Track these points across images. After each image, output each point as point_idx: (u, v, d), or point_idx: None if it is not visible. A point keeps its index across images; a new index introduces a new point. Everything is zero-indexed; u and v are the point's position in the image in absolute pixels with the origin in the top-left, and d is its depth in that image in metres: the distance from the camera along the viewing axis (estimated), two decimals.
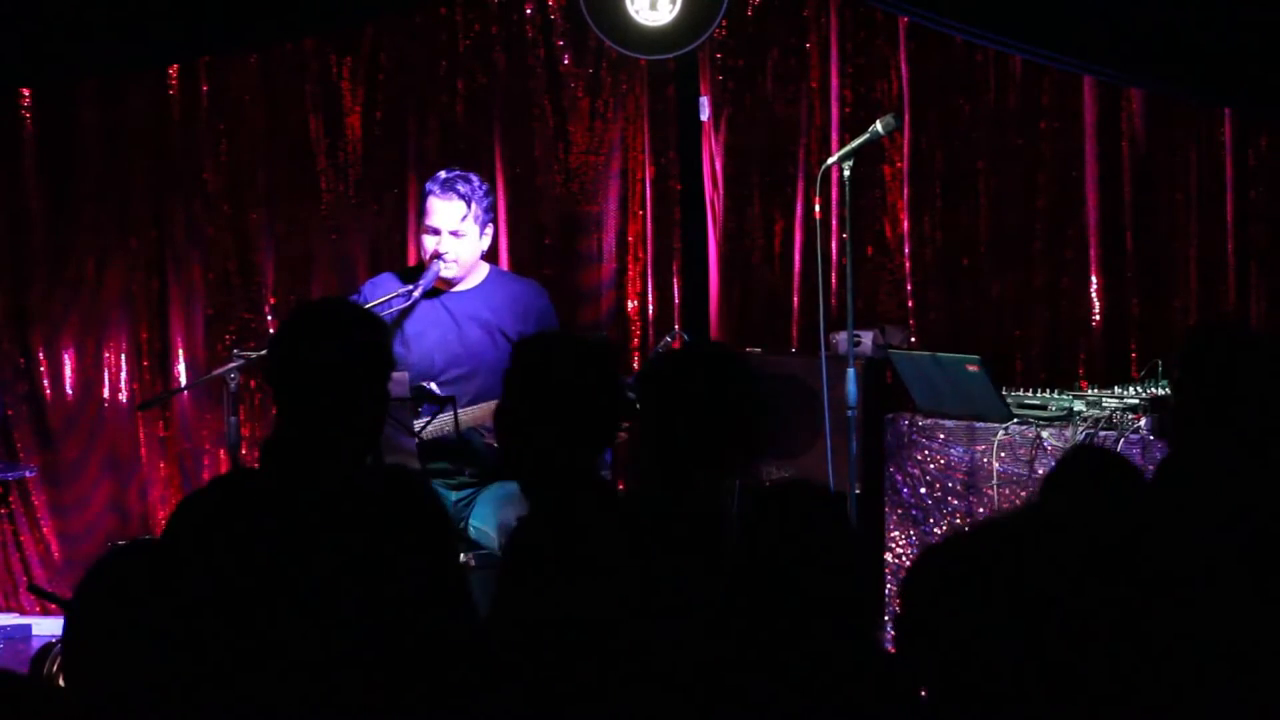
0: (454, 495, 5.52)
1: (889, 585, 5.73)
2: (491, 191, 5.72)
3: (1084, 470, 3.12)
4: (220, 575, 2.94)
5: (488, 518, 5.41)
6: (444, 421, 5.36)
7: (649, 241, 6.77)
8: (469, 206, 5.54)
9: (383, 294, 5.56)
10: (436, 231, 5.55)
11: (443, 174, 5.62)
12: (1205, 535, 3.05)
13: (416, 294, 5.57)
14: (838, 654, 2.74)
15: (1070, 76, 6.40)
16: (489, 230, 5.64)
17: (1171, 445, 3.45)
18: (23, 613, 6.75)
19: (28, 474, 6.65)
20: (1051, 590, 2.07)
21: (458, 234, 5.55)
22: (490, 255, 6.65)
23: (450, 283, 5.63)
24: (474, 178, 5.62)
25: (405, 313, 5.62)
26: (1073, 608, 2.32)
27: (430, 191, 5.59)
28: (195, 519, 3.10)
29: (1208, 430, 3.33)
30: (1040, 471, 5.35)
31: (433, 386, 5.46)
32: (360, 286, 5.79)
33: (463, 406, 5.40)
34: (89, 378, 6.78)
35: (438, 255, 5.55)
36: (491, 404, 5.33)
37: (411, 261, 6.49)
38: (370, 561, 3.00)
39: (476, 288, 5.68)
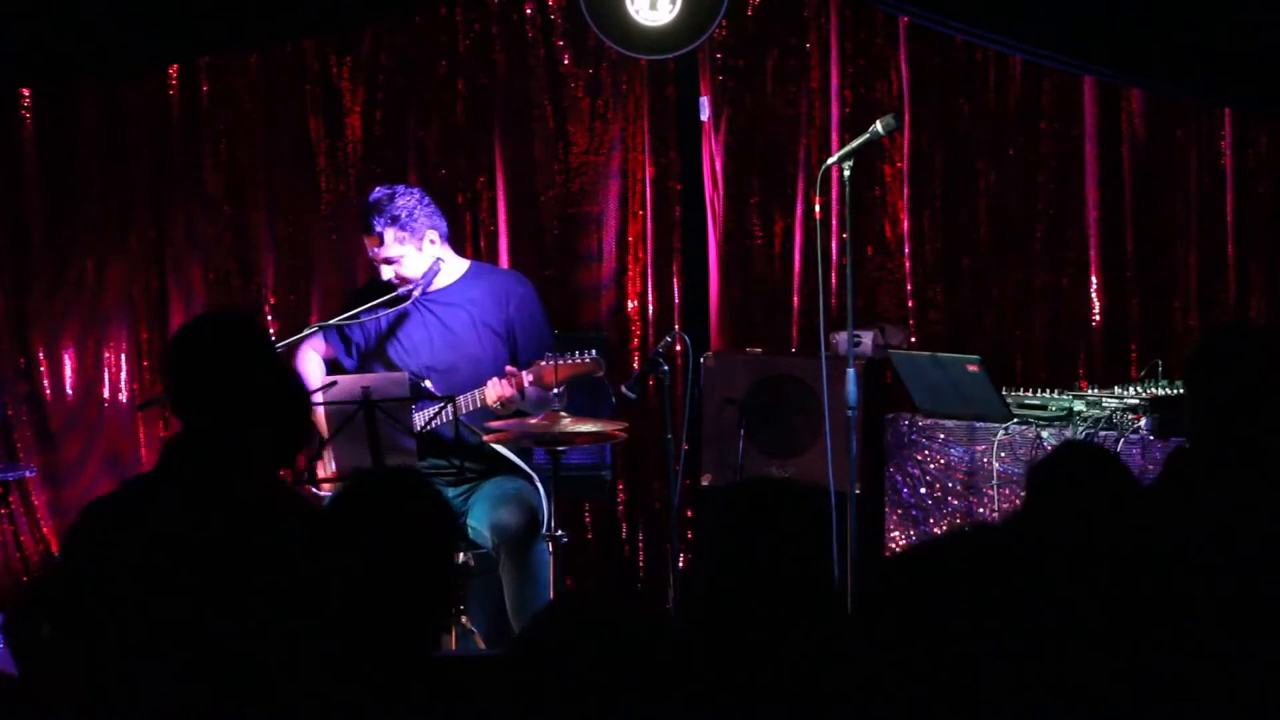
0: (452, 491, 5.52)
1: None
2: (406, 197, 5.56)
3: (1073, 468, 3.11)
4: (121, 582, 2.96)
5: (481, 518, 5.41)
6: (443, 419, 5.36)
7: (649, 241, 6.77)
8: (382, 239, 5.52)
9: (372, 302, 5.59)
10: (377, 262, 5.59)
11: (367, 202, 5.59)
12: (1213, 535, 3.05)
13: (417, 293, 5.58)
14: (813, 653, 2.73)
15: (1070, 76, 6.40)
16: (428, 235, 5.56)
17: (1188, 441, 3.43)
18: None
19: (28, 474, 6.65)
20: (1047, 594, 2.07)
21: (392, 260, 5.55)
22: (490, 255, 6.69)
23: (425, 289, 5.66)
24: (383, 196, 5.54)
25: (397, 318, 5.63)
26: (1069, 611, 2.32)
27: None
28: (98, 527, 3.13)
29: (1221, 429, 3.33)
30: None
31: (428, 385, 5.45)
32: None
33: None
34: (89, 378, 6.77)
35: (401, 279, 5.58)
36: (479, 390, 5.34)
37: None
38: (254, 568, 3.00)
39: (455, 283, 5.67)
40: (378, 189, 5.61)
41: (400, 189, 5.59)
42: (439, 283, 5.64)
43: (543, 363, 5.20)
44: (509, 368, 5.35)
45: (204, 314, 4.45)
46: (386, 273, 5.57)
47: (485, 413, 5.39)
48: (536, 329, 5.62)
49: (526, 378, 5.25)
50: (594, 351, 5.23)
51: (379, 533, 2.79)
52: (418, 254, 5.56)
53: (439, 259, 5.59)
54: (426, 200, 5.60)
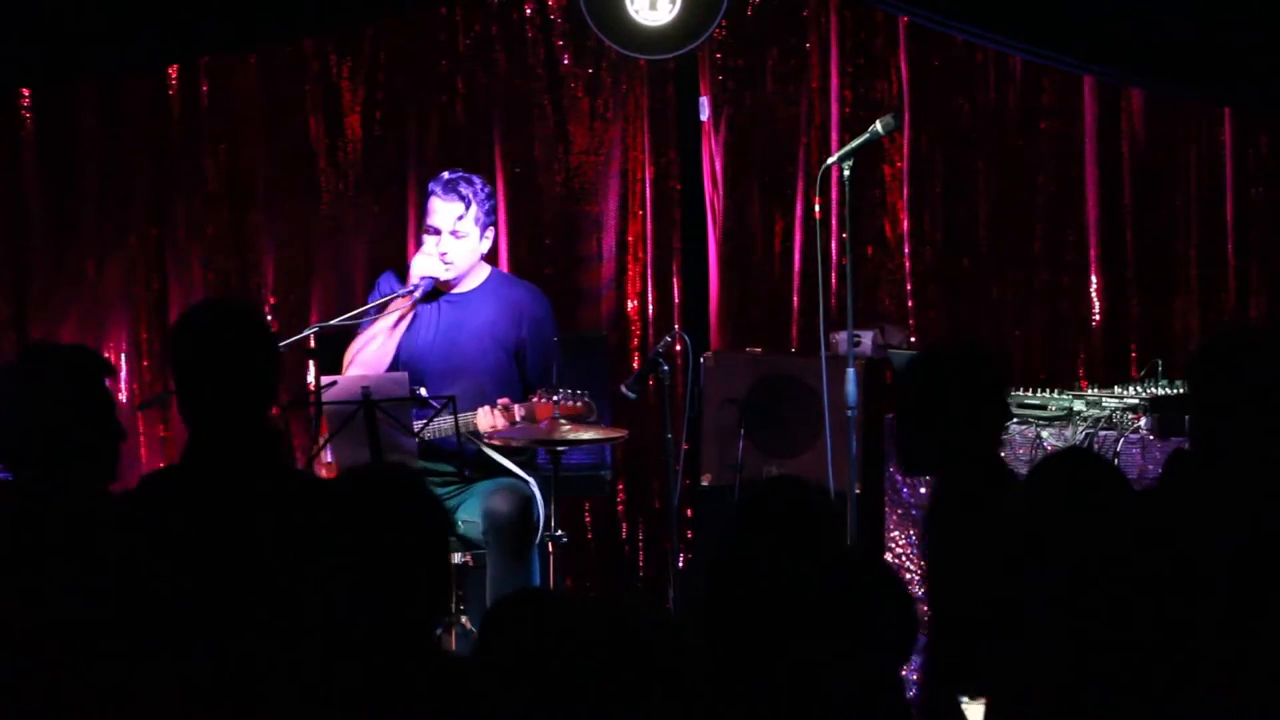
0: (442, 490, 5.52)
1: None
2: (493, 195, 5.75)
3: (1058, 478, 3.09)
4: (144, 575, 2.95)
5: (474, 509, 5.40)
6: (441, 423, 5.35)
7: (649, 241, 6.77)
8: (468, 208, 5.56)
9: (386, 292, 5.60)
10: (437, 231, 5.58)
11: (446, 174, 5.65)
12: (1214, 537, 3.05)
13: (417, 294, 5.59)
14: (830, 661, 2.72)
15: (1070, 76, 6.41)
16: (489, 233, 5.67)
17: (1190, 442, 3.43)
18: None
19: None
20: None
21: (457, 234, 5.57)
22: (490, 255, 6.67)
23: (449, 284, 5.65)
24: (476, 180, 5.65)
25: (410, 315, 5.63)
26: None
27: (433, 191, 5.63)
28: (123, 518, 3.11)
29: (1223, 430, 3.32)
30: None
31: (421, 391, 5.42)
32: (377, 282, 5.81)
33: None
34: None
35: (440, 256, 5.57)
36: (473, 414, 5.34)
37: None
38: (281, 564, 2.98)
39: (474, 291, 5.69)
40: (460, 173, 5.68)
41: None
42: (459, 289, 5.65)
43: (536, 400, 5.23)
44: (503, 400, 5.34)
45: (208, 302, 4.42)
46: (448, 246, 5.56)
47: (475, 433, 5.40)
48: (546, 352, 5.62)
49: (519, 412, 5.26)
50: (586, 395, 5.25)
51: (369, 526, 2.78)
52: (476, 243, 5.63)
53: (439, 262, 5.59)
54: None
